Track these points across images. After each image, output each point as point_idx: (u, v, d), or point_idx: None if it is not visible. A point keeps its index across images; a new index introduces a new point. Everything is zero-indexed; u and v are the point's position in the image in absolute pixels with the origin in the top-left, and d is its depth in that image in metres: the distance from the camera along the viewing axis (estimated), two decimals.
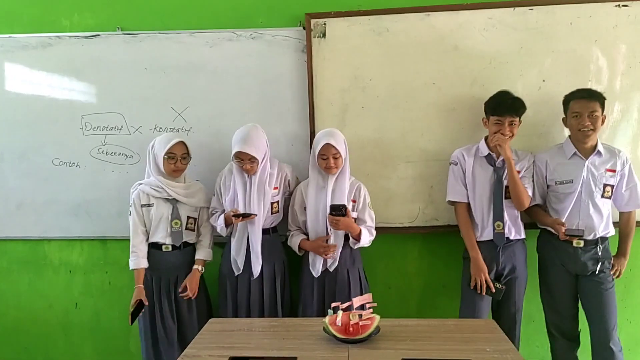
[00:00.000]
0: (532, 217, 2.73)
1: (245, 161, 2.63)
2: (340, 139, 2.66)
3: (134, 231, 2.73)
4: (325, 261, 2.70)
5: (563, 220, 2.54)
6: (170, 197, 2.71)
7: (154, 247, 2.74)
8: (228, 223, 2.69)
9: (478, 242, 2.67)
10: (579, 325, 2.69)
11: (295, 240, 2.75)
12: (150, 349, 2.77)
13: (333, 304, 2.05)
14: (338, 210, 2.58)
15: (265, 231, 2.75)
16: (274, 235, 2.82)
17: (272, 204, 2.75)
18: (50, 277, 3.25)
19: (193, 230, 2.78)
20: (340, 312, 2.03)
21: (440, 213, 2.94)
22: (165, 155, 2.66)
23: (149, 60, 3.02)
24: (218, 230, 2.74)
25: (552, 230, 2.61)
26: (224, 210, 2.77)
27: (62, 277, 3.24)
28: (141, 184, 2.77)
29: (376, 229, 2.81)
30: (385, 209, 2.97)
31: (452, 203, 2.77)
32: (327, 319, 2.03)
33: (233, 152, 2.62)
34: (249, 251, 2.71)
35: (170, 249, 2.73)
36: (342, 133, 2.72)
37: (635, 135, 2.83)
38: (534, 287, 2.81)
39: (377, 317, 2.04)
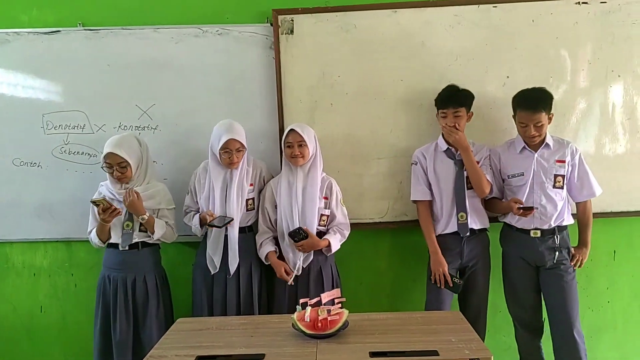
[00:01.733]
0: (492, 209, 2.77)
1: (233, 151, 2.62)
2: (308, 130, 2.69)
3: (90, 225, 2.74)
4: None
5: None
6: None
7: (111, 247, 2.70)
8: (203, 223, 2.66)
9: (444, 235, 2.70)
10: (542, 316, 2.74)
11: (263, 251, 2.74)
12: (102, 351, 2.71)
13: (301, 300, 2.04)
14: (298, 235, 2.61)
15: (241, 229, 2.73)
16: (250, 234, 2.80)
17: (247, 200, 2.73)
18: (13, 280, 3.16)
19: (147, 232, 2.71)
20: (308, 308, 2.03)
21: (409, 208, 2.96)
22: (102, 165, 2.64)
23: (112, 56, 2.96)
24: (192, 230, 2.71)
25: (512, 223, 2.67)
26: (198, 209, 2.74)
27: (25, 280, 3.16)
28: (102, 185, 2.74)
29: (351, 225, 2.81)
30: (357, 205, 2.97)
31: (415, 202, 2.80)
32: (295, 315, 2.02)
33: (220, 143, 2.60)
34: (226, 249, 2.69)
35: (127, 248, 2.67)
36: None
37: (596, 129, 2.90)
38: (500, 278, 2.85)
39: (346, 311, 2.04)
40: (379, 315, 2.23)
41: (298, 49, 2.90)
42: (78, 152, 3.03)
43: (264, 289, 2.82)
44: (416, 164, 2.76)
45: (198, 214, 2.70)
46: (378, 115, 2.94)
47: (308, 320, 1.99)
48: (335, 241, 2.70)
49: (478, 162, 2.66)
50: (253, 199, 2.78)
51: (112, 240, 2.67)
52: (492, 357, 1.77)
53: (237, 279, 2.72)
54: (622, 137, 2.90)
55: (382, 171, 2.96)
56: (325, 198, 2.74)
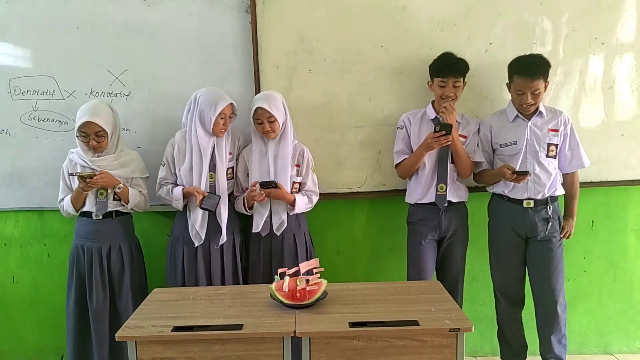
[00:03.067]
0: (481, 181, 2.76)
1: (226, 118, 2.58)
2: (276, 101, 2.61)
3: (60, 193, 2.68)
4: (270, 224, 2.66)
5: (512, 184, 2.58)
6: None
7: (84, 216, 2.64)
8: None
9: (421, 205, 2.69)
10: (524, 288, 2.77)
11: (239, 200, 2.71)
12: (78, 322, 2.68)
13: (279, 270, 2.02)
14: (269, 186, 2.57)
15: None
16: (230, 204, 2.74)
17: (227, 169, 2.68)
18: None
19: (120, 201, 2.65)
20: (287, 278, 2.00)
21: (388, 178, 2.94)
22: (77, 134, 2.56)
23: (80, 19, 2.82)
24: (173, 204, 2.64)
25: (502, 194, 2.64)
26: (175, 182, 2.67)
27: None
28: (72, 152, 2.66)
29: (324, 194, 2.80)
30: (334, 174, 2.94)
31: (397, 165, 2.76)
32: (273, 285, 2.00)
33: (217, 109, 2.54)
34: (210, 220, 2.64)
35: (100, 217, 2.61)
36: (283, 96, 2.69)
37: (577, 98, 2.88)
38: (477, 248, 2.87)
39: (324, 282, 2.03)
40: (358, 285, 2.22)
41: (275, 13, 2.81)
42: (48, 119, 2.92)
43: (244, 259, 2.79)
44: (402, 128, 2.72)
45: (179, 187, 2.63)
46: (357, 83, 2.88)
47: (286, 290, 1.97)
48: (301, 201, 2.66)
49: (466, 137, 2.64)
50: (232, 167, 2.72)
51: (85, 209, 2.61)
52: (473, 327, 1.77)
53: (221, 250, 2.68)
54: (602, 106, 2.89)
55: (361, 140, 2.92)
56: (297, 165, 2.70)
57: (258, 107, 2.58)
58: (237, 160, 2.75)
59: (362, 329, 1.79)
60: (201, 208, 2.57)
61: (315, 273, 2.04)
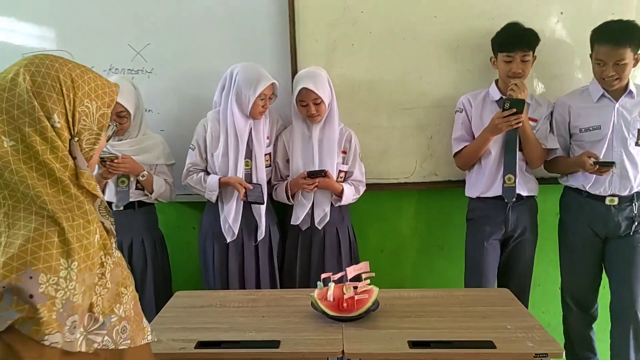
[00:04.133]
0: (554, 170, 2.39)
1: (266, 99, 2.28)
2: (322, 81, 2.29)
3: None
4: (312, 216, 2.36)
5: (592, 177, 2.20)
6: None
7: None
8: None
9: (484, 199, 2.34)
10: (597, 298, 2.39)
11: (281, 188, 2.40)
12: None
13: (323, 275, 1.70)
14: (317, 176, 2.27)
15: None
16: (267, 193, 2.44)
17: (264, 155, 2.38)
18: None
19: (144, 190, 2.36)
20: (331, 285, 1.69)
21: (440, 167, 2.59)
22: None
23: None
24: (206, 194, 2.34)
25: (581, 188, 2.26)
26: (205, 169, 2.38)
27: None
28: None
29: (368, 185, 2.49)
30: (379, 163, 2.60)
31: (456, 155, 2.41)
32: (315, 293, 1.69)
33: (258, 90, 2.23)
34: (245, 214, 2.35)
35: (121, 208, 2.33)
36: (327, 73, 2.36)
37: None
38: (540, 248, 2.50)
39: (376, 289, 1.71)
40: (413, 292, 1.89)
41: None
42: None
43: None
44: (461, 112, 2.37)
45: (213, 176, 2.33)
46: (407, 58, 2.52)
47: (331, 299, 1.65)
48: (349, 191, 2.37)
49: (537, 120, 2.28)
50: (270, 153, 2.42)
51: (106, 199, 2.31)
52: (563, 352, 1.43)
53: (256, 246, 2.39)
54: None
55: (410, 124, 2.57)
56: (344, 152, 2.40)
57: (303, 88, 2.26)
58: (274, 145, 2.44)
59: (426, 351, 1.46)
60: (248, 202, 2.28)
61: (365, 279, 1.72)
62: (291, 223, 2.39)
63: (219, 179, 2.29)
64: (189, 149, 2.38)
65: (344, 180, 2.42)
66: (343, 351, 1.47)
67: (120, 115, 2.24)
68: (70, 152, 0.95)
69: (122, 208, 2.33)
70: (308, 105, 2.28)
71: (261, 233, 2.35)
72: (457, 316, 1.67)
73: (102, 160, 2.16)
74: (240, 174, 2.30)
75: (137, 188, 2.34)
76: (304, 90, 2.25)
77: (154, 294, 2.38)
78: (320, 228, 2.38)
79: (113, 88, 1.03)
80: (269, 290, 2.00)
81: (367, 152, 2.53)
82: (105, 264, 0.99)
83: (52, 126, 0.92)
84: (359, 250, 2.55)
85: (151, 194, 2.34)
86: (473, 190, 2.38)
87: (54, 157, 0.92)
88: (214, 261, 2.37)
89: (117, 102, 2.14)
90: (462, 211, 2.49)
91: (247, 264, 2.38)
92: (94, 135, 0.99)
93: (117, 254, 1.04)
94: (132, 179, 2.32)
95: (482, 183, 2.33)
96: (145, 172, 2.30)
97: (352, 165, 2.41)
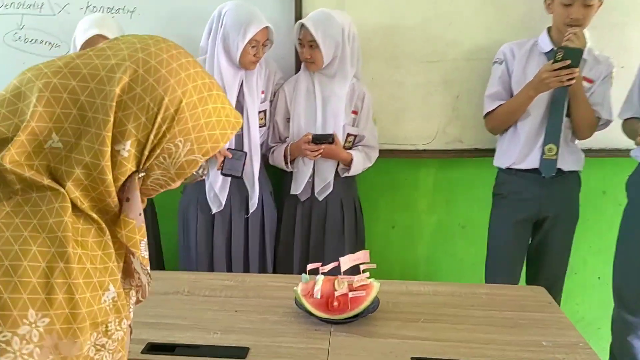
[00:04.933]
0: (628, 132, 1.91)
1: (259, 45, 1.92)
2: (327, 22, 1.93)
3: None
4: (312, 185, 2.03)
5: None
6: None
7: None
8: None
9: (517, 172, 1.96)
10: None
11: (279, 151, 2.06)
12: None
13: (309, 266, 1.36)
14: (325, 140, 1.93)
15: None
16: (262, 157, 2.10)
17: (258, 113, 2.02)
18: None
19: None
20: (320, 278, 1.35)
21: (467, 132, 2.21)
22: None
23: None
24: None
25: None
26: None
27: None
28: None
29: (380, 151, 2.13)
30: (394, 125, 2.23)
31: (488, 115, 2.01)
32: (299, 288, 1.35)
33: (248, 34, 1.85)
34: (234, 180, 2.02)
35: None
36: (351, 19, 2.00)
37: None
38: (580, 232, 2.11)
39: (376, 285, 1.36)
40: (424, 286, 1.53)
41: None
42: (36, 40, 2.31)
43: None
44: (500, 63, 1.96)
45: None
46: (433, 0, 2.11)
47: (319, 296, 1.31)
48: (359, 160, 2.03)
49: (593, 81, 1.87)
50: (265, 111, 2.05)
51: None
52: None
53: (246, 220, 2.07)
54: None
55: (434, 80, 2.18)
56: (354, 112, 2.02)
57: (301, 25, 1.94)
58: (274, 100, 2.08)
59: None
60: (222, 174, 1.94)
61: (364, 271, 1.37)
62: (290, 192, 2.06)
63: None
64: None
65: (353, 146, 2.06)
66: None
67: None
68: (122, 187, 0.69)
69: None
70: (304, 47, 1.94)
71: (253, 204, 2.03)
72: (477, 323, 1.32)
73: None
74: None
75: None
76: (302, 29, 1.93)
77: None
78: (321, 199, 2.04)
79: (227, 132, 0.74)
80: (251, 275, 1.68)
81: (380, 112, 2.17)
82: (110, 331, 0.67)
83: (116, 152, 0.65)
84: (367, 225, 2.21)
85: None
86: (504, 159, 1.99)
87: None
88: (197, 235, 2.05)
89: (106, 38, 1.84)
90: (489, 185, 2.11)
91: (235, 240, 2.06)
92: (166, 178, 0.72)
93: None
94: None
95: (516, 152, 1.94)
96: None
97: (363, 128, 2.05)
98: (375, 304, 1.35)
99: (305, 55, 1.94)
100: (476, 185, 2.29)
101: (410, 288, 1.52)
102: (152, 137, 0.66)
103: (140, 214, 0.70)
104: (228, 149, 1.93)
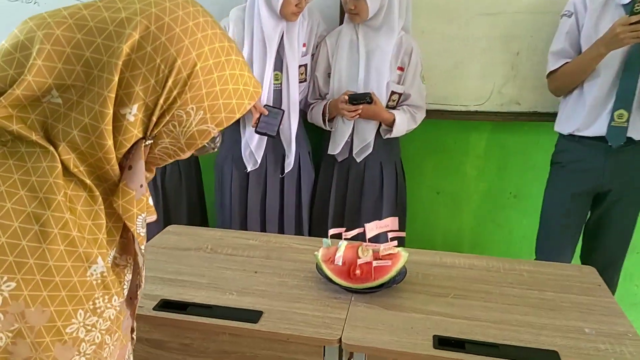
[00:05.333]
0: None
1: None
2: None
3: None
4: (350, 145, 1.93)
5: None
6: None
7: None
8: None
9: (579, 138, 1.77)
10: None
11: (317, 109, 1.96)
12: None
13: (331, 231, 1.27)
14: (362, 99, 1.80)
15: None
16: (301, 114, 2.02)
17: (299, 67, 1.92)
18: None
19: None
20: (342, 244, 1.26)
21: (525, 94, 2.02)
22: None
23: None
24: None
25: None
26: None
27: None
28: None
29: (427, 112, 1.98)
30: (444, 84, 2.07)
31: (551, 74, 1.81)
32: (320, 253, 1.27)
33: None
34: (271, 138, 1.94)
35: None
36: None
37: None
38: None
39: (404, 254, 1.26)
40: (459, 257, 1.42)
41: None
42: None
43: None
44: (569, 16, 1.74)
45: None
46: None
47: (340, 263, 1.23)
48: (402, 121, 1.89)
49: None
50: (306, 65, 1.95)
51: None
52: None
53: (282, 180, 2.01)
54: None
55: (491, 34, 1.99)
56: (400, 69, 1.88)
57: None
58: (313, 55, 1.97)
59: (456, 356, 1.02)
60: (257, 132, 1.86)
61: (392, 239, 1.27)
62: (328, 152, 1.97)
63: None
64: None
65: (397, 105, 1.92)
66: (340, 339, 1.06)
67: None
68: (127, 154, 0.62)
69: None
70: None
71: (289, 164, 1.95)
72: (513, 303, 1.20)
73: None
74: (267, 89, 1.87)
75: None
76: None
77: (187, 221, 2.09)
78: (359, 161, 1.94)
79: (244, 102, 0.67)
80: (276, 235, 1.61)
81: (429, 69, 2.01)
82: (99, 308, 0.62)
83: (122, 116, 0.59)
84: (410, 191, 2.10)
85: None
86: (566, 124, 1.80)
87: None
88: (231, 192, 2.01)
89: None
90: (546, 152, 1.93)
91: (270, 199, 2.00)
92: (175, 148, 0.66)
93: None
94: None
95: (581, 116, 1.74)
96: None
97: (409, 86, 1.91)
98: (401, 275, 1.25)
99: (350, 5, 1.79)
100: (532, 152, 2.12)
101: (444, 259, 1.41)
102: (161, 102, 0.60)
103: (142, 186, 0.63)
104: (265, 106, 1.85)
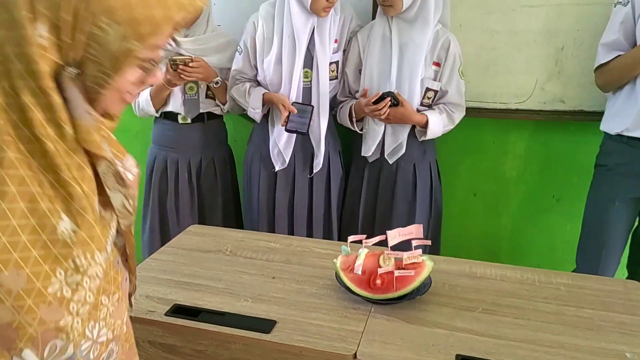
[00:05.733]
0: None
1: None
2: None
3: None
4: (382, 146, 1.85)
5: None
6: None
7: (168, 118, 1.98)
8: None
9: (627, 139, 1.64)
10: None
11: (344, 110, 1.90)
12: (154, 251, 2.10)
13: (351, 238, 1.21)
14: (382, 100, 1.72)
15: None
16: (331, 112, 1.96)
17: (330, 64, 1.86)
18: None
19: (215, 99, 1.96)
20: (362, 252, 1.20)
21: (570, 91, 1.89)
22: None
23: None
24: (249, 112, 1.89)
25: None
26: (255, 78, 1.91)
27: None
28: None
29: (468, 109, 1.89)
30: (482, 80, 1.96)
31: (600, 67, 1.68)
32: (338, 261, 1.21)
33: None
34: (300, 137, 1.89)
35: (188, 121, 1.95)
36: None
37: None
38: None
39: (429, 264, 1.19)
40: (491, 268, 1.33)
41: None
42: None
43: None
44: (625, 4, 1.59)
45: (259, 89, 1.87)
46: None
47: (359, 272, 1.17)
48: (437, 122, 1.80)
49: None
50: (337, 62, 1.88)
51: (168, 109, 1.95)
52: None
53: (310, 179, 1.95)
54: None
55: (534, 28, 1.87)
56: (437, 64, 1.79)
57: None
58: (346, 50, 1.90)
59: None
60: (287, 130, 1.81)
61: (416, 247, 1.20)
62: (362, 154, 1.89)
63: (263, 94, 1.82)
64: (236, 52, 1.91)
65: (433, 102, 1.83)
66: (355, 354, 1.00)
67: None
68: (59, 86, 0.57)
69: (189, 121, 1.96)
70: None
71: (318, 164, 1.90)
72: (546, 320, 1.11)
73: (174, 63, 1.77)
74: (296, 87, 1.82)
75: (207, 97, 1.95)
76: None
77: (223, 222, 2.06)
78: (391, 162, 1.86)
79: (172, 13, 0.59)
80: (298, 238, 1.55)
81: (468, 65, 1.91)
82: (81, 266, 0.59)
83: (37, 39, 0.54)
84: (446, 192, 2.02)
85: (223, 104, 1.94)
86: (614, 124, 1.67)
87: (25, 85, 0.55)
88: (259, 192, 1.97)
89: None
90: (593, 154, 1.80)
91: (298, 201, 1.95)
92: (102, 74, 0.59)
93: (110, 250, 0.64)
94: (201, 85, 1.92)
95: (632, 116, 1.61)
96: (219, 78, 1.88)
97: (447, 83, 1.81)
98: (425, 286, 1.18)
99: None
100: (578, 154, 1.99)
101: (474, 269, 1.33)
102: (65, 17, 0.54)
103: (89, 113, 0.58)
104: (294, 103, 1.80)
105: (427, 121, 1.77)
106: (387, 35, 1.81)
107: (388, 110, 1.71)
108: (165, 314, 1.13)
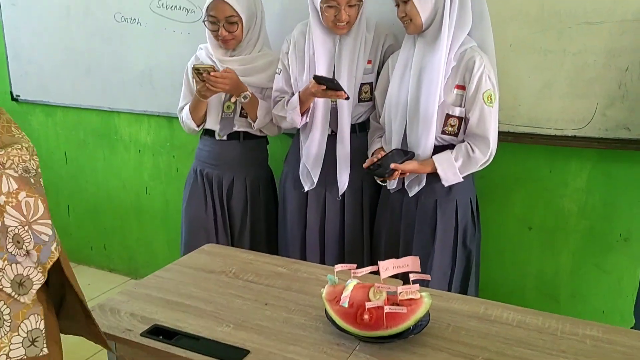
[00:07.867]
0: None
1: (342, 5, 1.64)
2: None
3: (181, 99, 2.07)
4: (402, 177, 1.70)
5: None
6: None
7: (207, 134, 2.02)
8: (304, 100, 1.75)
9: None
10: None
11: (372, 150, 1.81)
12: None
13: (337, 267, 1.11)
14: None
15: (351, 128, 1.81)
16: (362, 134, 1.87)
17: (362, 86, 1.79)
18: (122, 154, 2.82)
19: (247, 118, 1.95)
20: (351, 283, 1.10)
21: (636, 117, 1.66)
22: (205, 19, 1.86)
23: None
24: (287, 121, 1.83)
25: None
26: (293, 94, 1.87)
27: (132, 156, 2.79)
28: (201, 48, 2.02)
29: (516, 136, 1.72)
30: (535, 104, 1.78)
31: None
32: (324, 291, 1.12)
33: None
34: (328, 158, 1.83)
35: (224, 138, 1.97)
36: None
37: None
38: None
39: (427, 301, 1.06)
40: (509, 312, 1.17)
41: None
42: (175, 7, 2.39)
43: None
44: None
45: (298, 94, 1.81)
46: None
47: (346, 304, 1.07)
48: (446, 167, 1.60)
49: None
50: (371, 84, 1.80)
51: (207, 126, 1.99)
52: None
53: (342, 201, 1.87)
54: None
55: (594, 47, 1.67)
56: (461, 87, 1.61)
57: None
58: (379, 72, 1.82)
59: None
60: (316, 80, 1.65)
61: (413, 282, 1.08)
62: (387, 187, 1.78)
63: (299, 92, 1.77)
64: (276, 72, 1.89)
65: (459, 130, 1.63)
66: None
67: (229, 21, 1.82)
68: None
69: (225, 138, 1.97)
70: (398, 4, 1.62)
71: (342, 185, 1.81)
72: None
73: (198, 73, 1.78)
74: (321, 107, 1.76)
75: (241, 115, 1.95)
76: None
77: (250, 242, 2.02)
78: (411, 195, 1.71)
79: None
80: (308, 264, 1.45)
81: (519, 88, 1.75)
82: None
83: None
84: (498, 223, 1.85)
85: (254, 122, 1.93)
86: None
87: None
88: (291, 210, 1.92)
89: (225, 2, 1.76)
90: None
91: (329, 219, 1.87)
92: None
93: None
94: (238, 105, 1.93)
95: None
96: (248, 92, 1.85)
97: (470, 110, 1.59)
98: (421, 325, 1.06)
99: (400, 13, 1.59)
100: None
101: (489, 311, 1.17)
102: None
103: None
104: (315, 76, 1.65)
105: (433, 167, 1.60)
106: (410, 56, 1.68)
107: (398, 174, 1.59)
108: (141, 334, 1.09)
